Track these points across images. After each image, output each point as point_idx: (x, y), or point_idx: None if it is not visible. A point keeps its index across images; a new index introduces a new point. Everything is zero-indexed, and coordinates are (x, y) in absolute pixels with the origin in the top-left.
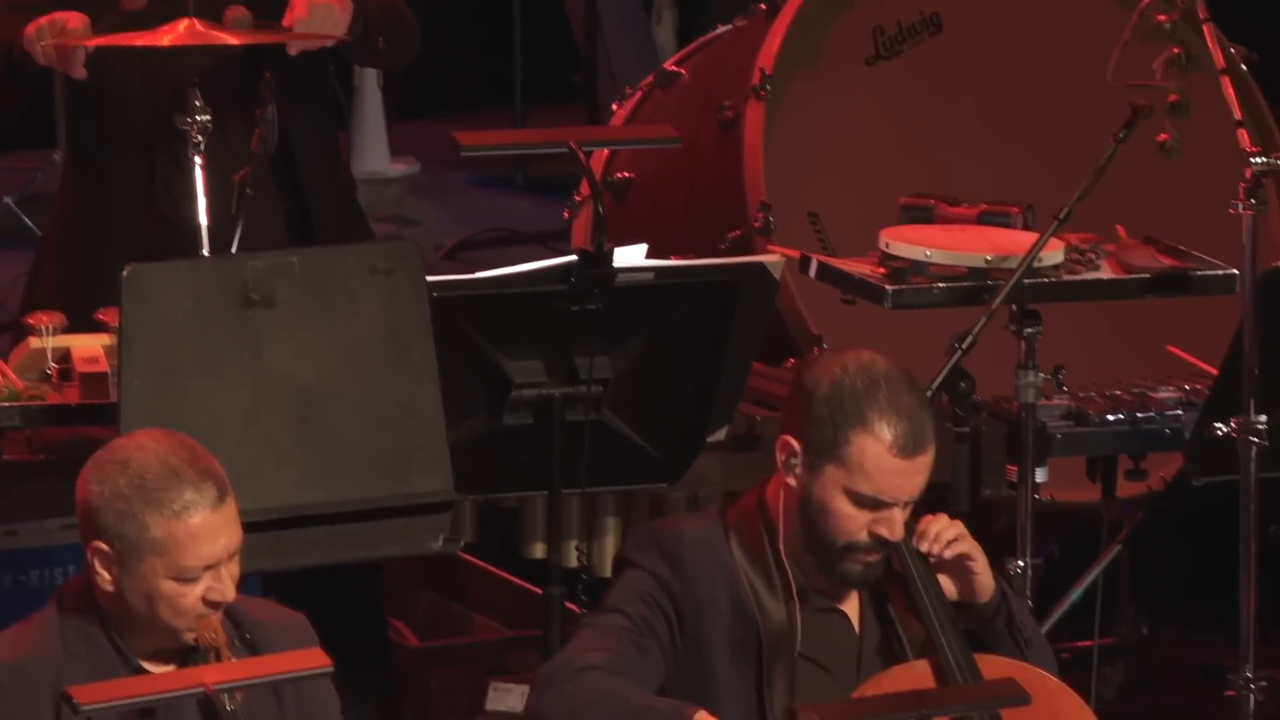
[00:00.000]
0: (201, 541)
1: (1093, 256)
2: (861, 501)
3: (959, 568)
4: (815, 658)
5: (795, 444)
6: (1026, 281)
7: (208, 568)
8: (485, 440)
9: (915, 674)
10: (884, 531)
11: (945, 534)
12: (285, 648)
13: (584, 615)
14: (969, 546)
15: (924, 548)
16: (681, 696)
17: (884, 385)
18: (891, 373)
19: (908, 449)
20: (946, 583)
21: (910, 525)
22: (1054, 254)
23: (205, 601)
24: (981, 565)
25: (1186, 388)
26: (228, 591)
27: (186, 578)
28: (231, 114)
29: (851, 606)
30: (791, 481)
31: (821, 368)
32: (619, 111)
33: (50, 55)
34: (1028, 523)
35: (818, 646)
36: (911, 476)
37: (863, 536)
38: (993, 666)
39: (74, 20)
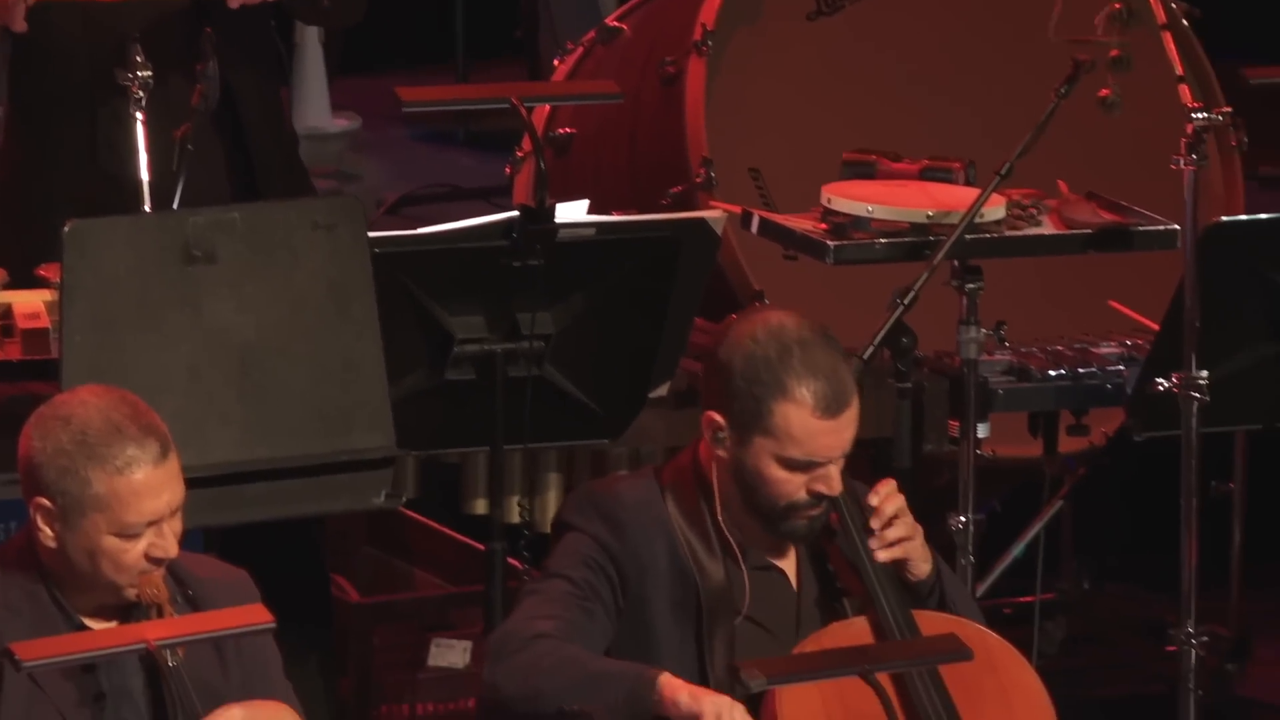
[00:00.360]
0: (144, 497)
1: (1034, 212)
2: (794, 466)
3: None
4: (754, 615)
5: (720, 419)
6: (968, 237)
7: (150, 524)
8: (427, 396)
9: (854, 630)
10: (822, 488)
11: (887, 508)
12: (227, 604)
13: (527, 581)
14: (908, 529)
15: (877, 553)
16: (625, 657)
17: (797, 349)
18: (803, 334)
19: (831, 408)
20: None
21: (847, 479)
22: (996, 209)
23: (148, 558)
24: (920, 546)
25: (1128, 343)
26: (170, 548)
27: (129, 534)
28: (173, 69)
29: (789, 563)
30: (722, 454)
31: (732, 340)
32: (561, 67)
33: None
34: (969, 478)
35: (756, 604)
36: (840, 433)
37: (802, 495)
38: (931, 622)
39: None
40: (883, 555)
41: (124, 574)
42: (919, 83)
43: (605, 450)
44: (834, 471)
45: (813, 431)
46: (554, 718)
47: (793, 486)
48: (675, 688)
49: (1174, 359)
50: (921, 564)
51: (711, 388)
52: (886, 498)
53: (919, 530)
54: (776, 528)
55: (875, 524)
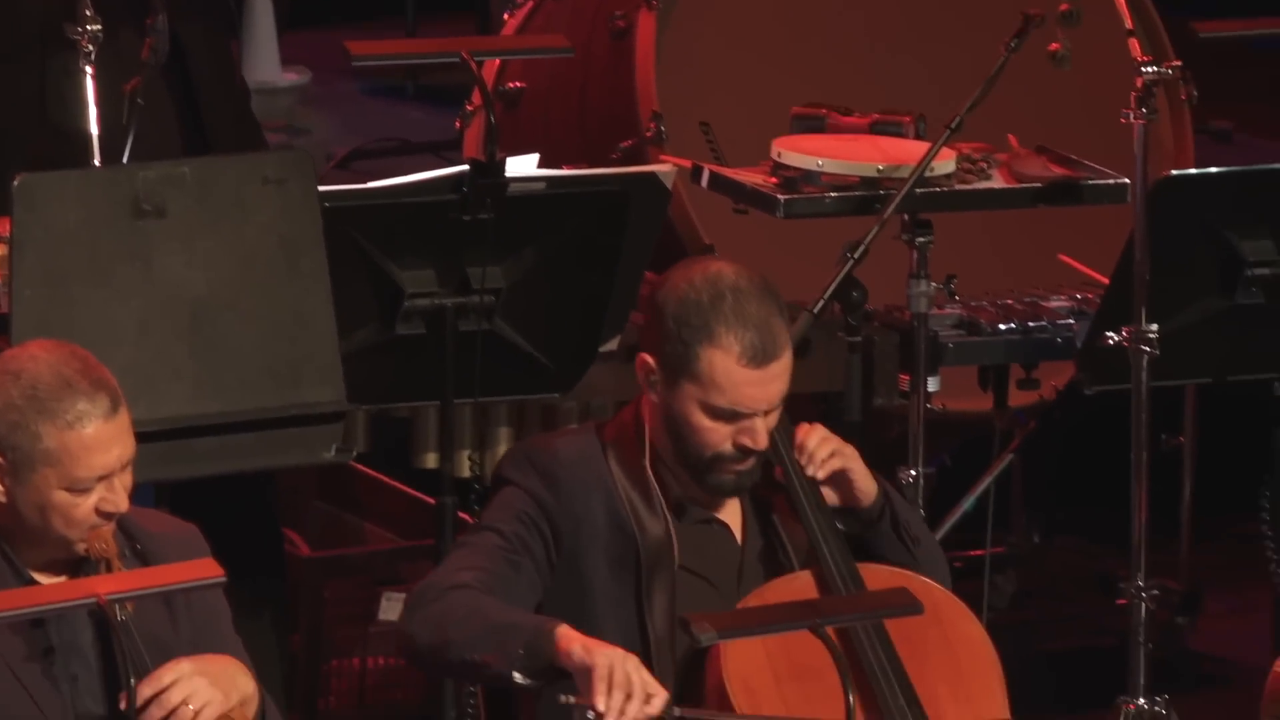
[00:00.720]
0: (94, 452)
1: (984, 166)
2: (719, 414)
3: (840, 478)
4: (696, 569)
5: (652, 361)
6: (918, 191)
7: (101, 478)
8: (378, 350)
9: (799, 584)
10: (747, 441)
11: (819, 453)
12: (177, 559)
13: (461, 533)
14: (844, 459)
15: (808, 472)
16: (560, 613)
17: (729, 296)
18: (739, 283)
19: (757, 359)
20: (827, 491)
21: (787, 432)
22: (946, 163)
23: (98, 512)
24: (859, 471)
25: (1078, 297)
26: (120, 502)
27: (79, 488)
28: (123, 23)
29: (733, 516)
30: (654, 398)
31: (671, 284)
32: (510, 21)
33: None
34: (919, 432)
35: (698, 558)
36: (766, 385)
37: (728, 448)
38: (876, 576)
39: None
40: (820, 473)
41: (74, 529)
42: (869, 36)
43: (555, 404)
44: (760, 425)
45: (737, 381)
46: (459, 667)
47: (718, 437)
48: (570, 639)
49: (1124, 313)
50: (864, 484)
51: (647, 330)
52: (808, 433)
53: (854, 452)
54: (703, 480)
55: (801, 455)
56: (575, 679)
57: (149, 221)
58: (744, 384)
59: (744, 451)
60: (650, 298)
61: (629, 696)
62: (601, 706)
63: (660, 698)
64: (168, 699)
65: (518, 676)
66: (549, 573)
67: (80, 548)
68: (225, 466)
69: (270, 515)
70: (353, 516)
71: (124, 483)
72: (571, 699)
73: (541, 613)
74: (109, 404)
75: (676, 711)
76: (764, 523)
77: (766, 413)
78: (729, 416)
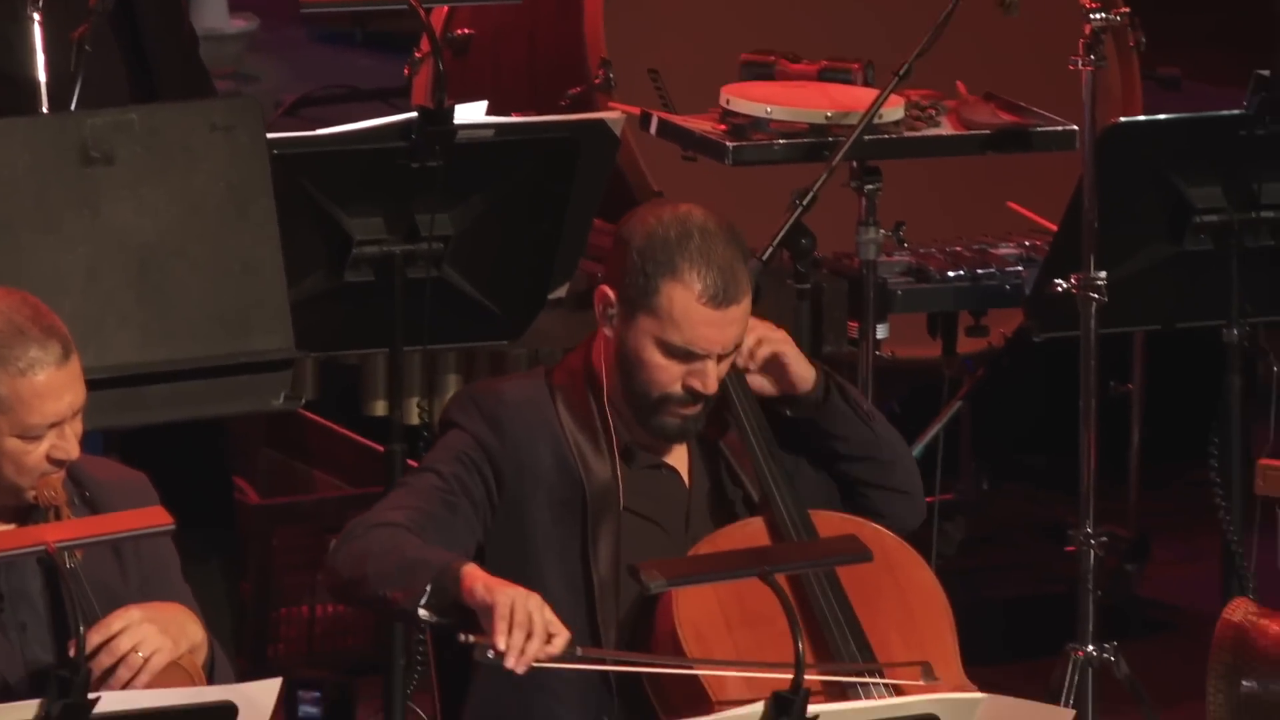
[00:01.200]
0: (46, 399)
1: (933, 113)
2: (673, 352)
3: (772, 365)
4: (644, 513)
5: (611, 294)
6: (867, 138)
7: (52, 425)
8: (326, 297)
9: (750, 531)
10: (697, 384)
11: (746, 342)
12: (126, 506)
13: (404, 475)
14: (774, 345)
15: (740, 364)
16: (502, 556)
17: (697, 235)
18: (707, 224)
19: (718, 299)
20: (765, 381)
21: (741, 380)
22: (894, 110)
23: (49, 459)
24: (793, 355)
25: (1027, 244)
26: (72, 449)
27: (31, 435)
28: None
29: (681, 462)
30: (609, 332)
31: (639, 219)
32: None
33: None
34: (868, 379)
35: (646, 502)
36: (724, 328)
37: (677, 389)
38: (828, 522)
39: None
40: (753, 365)
41: (25, 475)
42: None
43: (504, 351)
44: (712, 368)
45: (695, 319)
46: (373, 602)
47: (669, 376)
48: (474, 578)
49: (1072, 260)
50: (800, 369)
51: (610, 262)
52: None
53: (790, 343)
54: (648, 421)
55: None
56: (478, 617)
57: (97, 169)
58: (701, 323)
59: (692, 395)
60: (617, 231)
61: (529, 635)
62: (502, 645)
63: (562, 638)
64: (117, 646)
65: (424, 613)
66: (489, 515)
67: (29, 495)
68: (174, 414)
69: (219, 463)
70: (301, 464)
71: (75, 430)
72: (472, 638)
73: (483, 558)
74: (60, 351)
75: (578, 651)
76: (713, 469)
77: (720, 357)
78: (682, 356)
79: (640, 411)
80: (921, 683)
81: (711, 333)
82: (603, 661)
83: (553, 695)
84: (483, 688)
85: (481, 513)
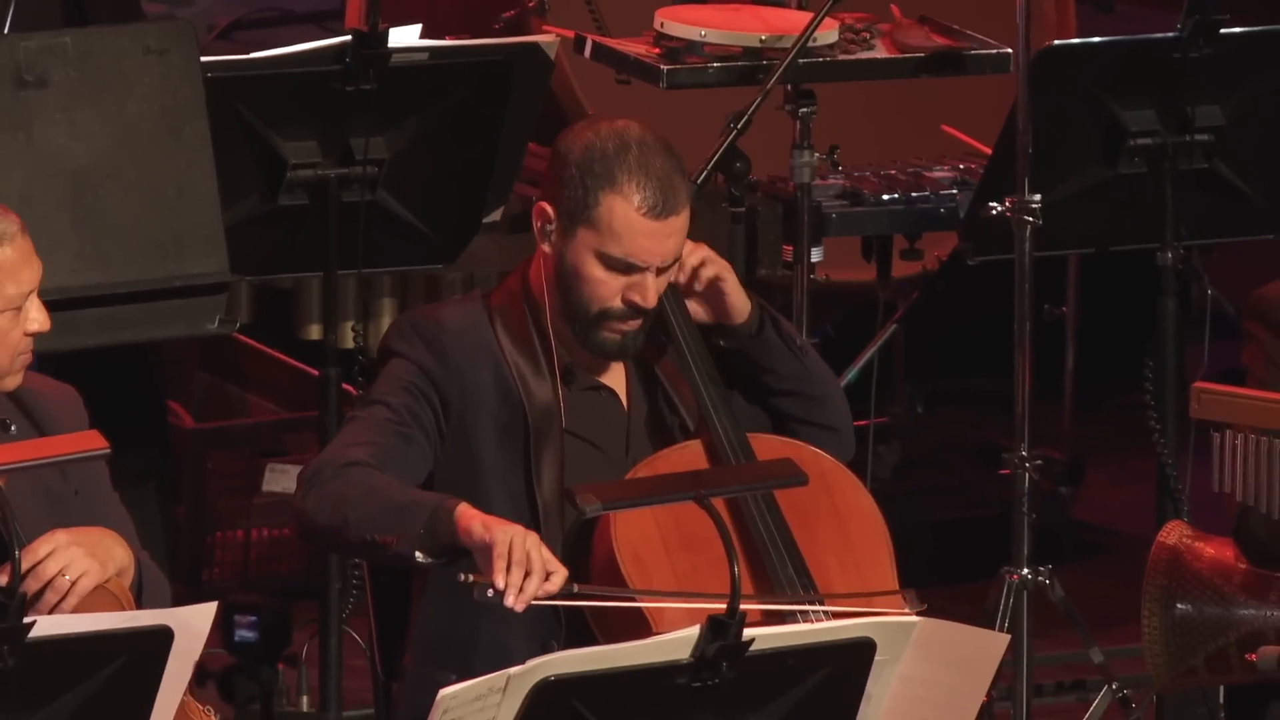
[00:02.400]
0: (20, 267)
1: (867, 36)
2: (612, 265)
3: (710, 290)
4: (584, 435)
5: (549, 209)
6: (801, 61)
7: (28, 293)
8: (261, 221)
9: (689, 454)
10: (637, 298)
11: (690, 261)
12: (60, 416)
13: (351, 407)
14: (717, 268)
15: (682, 281)
16: (450, 483)
17: (635, 148)
18: (645, 137)
19: (657, 210)
20: (702, 308)
21: (679, 299)
22: (829, 34)
23: (27, 333)
24: (732, 284)
25: (961, 167)
26: (45, 319)
27: (13, 306)
28: None
29: (619, 383)
30: (547, 249)
31: (576, 133)
32: None
33: None
34: (803, 303)
35: (586, 424)
36: (663, 240)
37: (616, 303)
38: (767, 446)
39: None
40: (698, 285)
41: (6, 353)
42: None
43: (439, 275)
44: (651, 281)
45: (635, 230)
46: (358, 546)
47: (608, 290)
48: (470, 517)
49: (1007, 183)
50: (737, 299)
51: (548, 178)
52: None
53: (730, 270)
54: (588, 337)
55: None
56: (475, 557)
57: (30, 92)
58: (641, 234)
59: (632, 309)
60: (553, 147)
61: (528, 574)
62: (501, 583)
63: (560, 575)
64: (44, 570)
65: (419, 555)
66: (439, 442)
67: (6, 383)
68: (108, 338)
69: (154, 387)
70: (236, 388)
71: (39, 305)
72: (471, 577)
73: (432, 485)
74: (18, 224)
75: (575, 588)
76: (651, 391)
77: (659, 271)
78: (622, 268)
79: (580, 328)
80: (907, 609)
81: (651, 244)
82: (600, 599)
83: (501, 621)
84: (428, 613)
85: (432, 441)
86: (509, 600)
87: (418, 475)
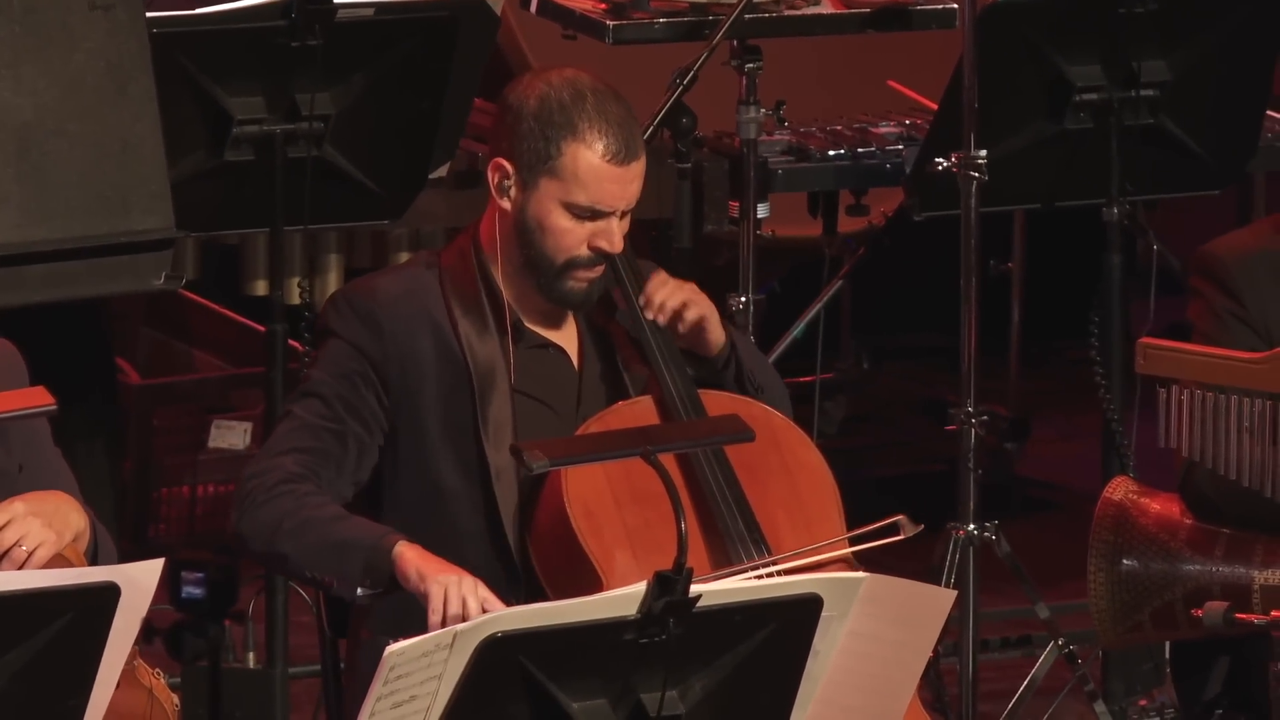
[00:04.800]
0: None
1: None
2: (579, 213)
3: (695, 328)
4: (534, 393)
5: (507, 164)
6: (747, 16)
7: None
8: (206, 177)
9: (639, 410)
10: (603, 244)
11: (671, 303)
12: None
13: (289, 397)
14: (701, 309)
15: (651, 316)
16: (403, 454)
17: (591, 96)
18: (597, 85)
19: (620, 155)
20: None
21: (629, 255)
22: None
23: None
24: (714, 322)
25: (907, 123)
26: None
27: None
28: None
29: (569, 341)
30: (506, 205)
31: (526, 85)
32: None
33: None
34: (749, 258)
35: (535, 382)
36: (627, 184)
37: (583, 251)
38: (717, 401)
39: None
40: (681, 327)
41: None
42: None
43: (385, 231)
44: (615, 226)
45: (600, 176)
46: (302, 580)
47: (574, 239)
48: (406, 561)
49: (953, 138)
50: (715, 334)
51: (501, 134)
52: (658, 286)
53: (713, 308)
54: (553, 288)
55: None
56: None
57: None
58: (606, 180)
59: (599, 254)
60: (503, 102)
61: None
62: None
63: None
64: (1, 539)
65: (360, 592)
66: (385, 420)
67: None
68: (54, 294)
69: (101, 342)
70: (182, 344)
71: None
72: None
73: (384, 458)
74: None
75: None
76: (602, 347)
77: (622, 215)
78: (588, 215)
79: (545, 280)
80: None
81: (616, 189)
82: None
83: None
84: None
85: (375, 425)
86: None
87: (359, 472)
